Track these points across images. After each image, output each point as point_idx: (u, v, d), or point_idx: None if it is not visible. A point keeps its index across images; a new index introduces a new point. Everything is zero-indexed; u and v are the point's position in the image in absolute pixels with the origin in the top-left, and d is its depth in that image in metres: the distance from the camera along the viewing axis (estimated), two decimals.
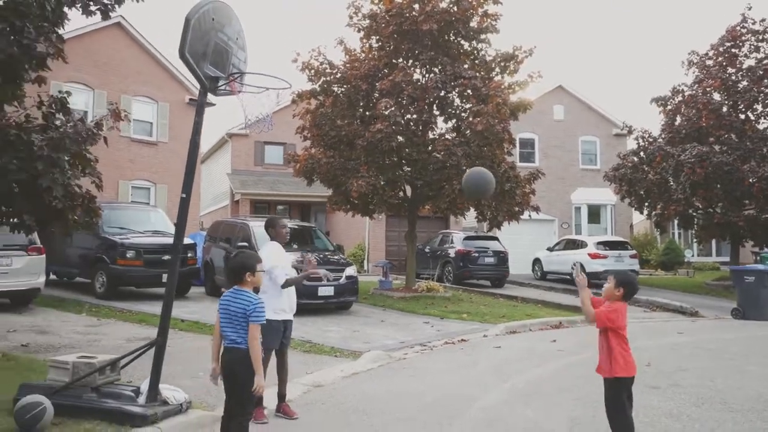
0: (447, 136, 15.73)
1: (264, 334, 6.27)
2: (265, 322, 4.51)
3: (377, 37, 16.45)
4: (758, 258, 24.75)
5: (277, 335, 6.25)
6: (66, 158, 6.56)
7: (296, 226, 16.58)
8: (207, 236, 17.50)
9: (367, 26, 16.29)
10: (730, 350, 10.51)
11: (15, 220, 7.19)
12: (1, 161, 6.37)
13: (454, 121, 16.58)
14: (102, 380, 5.49)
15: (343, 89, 16.24)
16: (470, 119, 15.27)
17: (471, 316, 14.26)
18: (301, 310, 12.86)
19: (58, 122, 6.98)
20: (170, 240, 15.43)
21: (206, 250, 16.61)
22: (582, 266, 4.91)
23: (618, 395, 4.76)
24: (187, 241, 16.31)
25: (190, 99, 23.46)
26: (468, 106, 16.30)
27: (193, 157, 5.86)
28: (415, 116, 15.94)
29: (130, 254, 14.43)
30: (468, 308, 15.38)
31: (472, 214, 20.81)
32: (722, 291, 20.67)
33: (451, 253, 22.38)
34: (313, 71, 16.07)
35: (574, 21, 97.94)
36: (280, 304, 6.24)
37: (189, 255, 15.44)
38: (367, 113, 16.28)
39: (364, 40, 16.77)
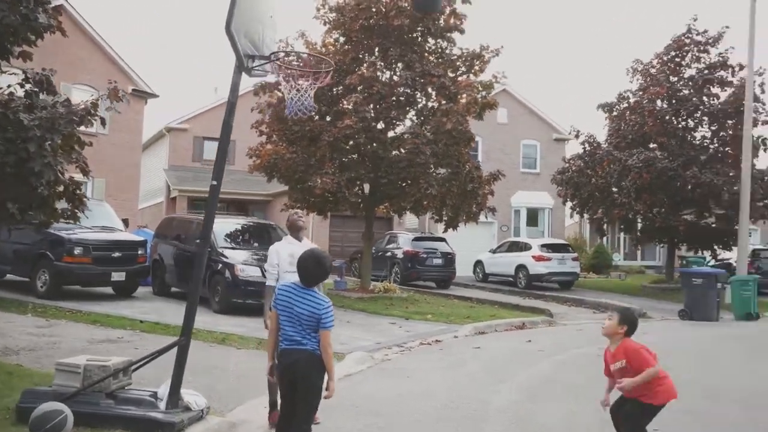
0: (416, 133, 15.47)
1: None
2: (333, 326, 4.20)
3: (343, 30, 16.11)
4: (685, 262, 25.83)
5: None
6: (58, 140, 5.96)
7: (252, 224, 16.09)
8: (156, 233, 16.67)
9: (333, 19, 15.94)
10: (697, 348, 10.79)
11: None
12: None
13: (420, 119, 16.43)
14: (116, 385, 4.99)
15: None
16: (440, 118, 15.15)
17: (435, 316, 14.13)
18: (260, 311, 12.53)
19: (42, 103, 6.35)
20: (119, 236, 14.79)
21: (154, 248, 15.80)
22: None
23: (645, 421, 4.59)
24: (136, 237, 15.53)
25: (134, 90, 22.41)
26: (432, 104, 16.22)
27: (224, 140, 5.45)
28: (382, 113, 15.68)
29: (77, 251, 13.50)
30: (429, 309, 15.25)
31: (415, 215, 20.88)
32: (660, 293, 21.37)
33: (399, 254, 22.24)
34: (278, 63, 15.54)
35: (516, 25, 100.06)
36: None
37: (139, 252, 14.64)
38: (334, 108, 15.92)
39: (328, 34, 16.41)
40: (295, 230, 6.16)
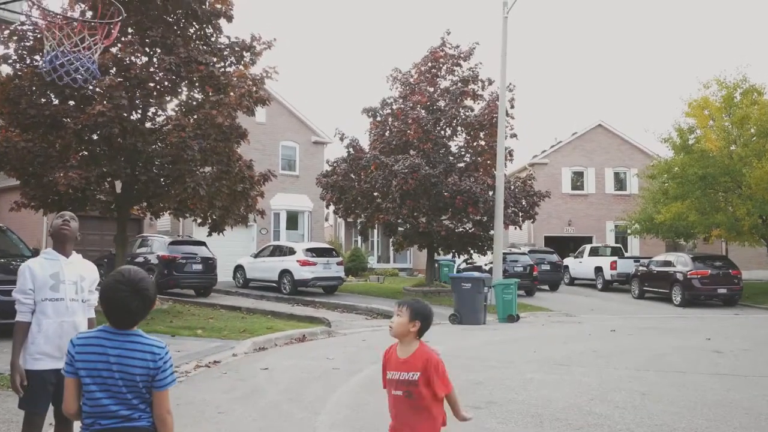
0: (182, 126, 13.64)
1: (28, 390, 4.22)
2: (175, 382, 2.80)
3: (91, 2, 13.77)
4: (438, 265, 27.03)
5: (45, 393, 4.21)
6: None
7: None
8: None
9: None
10: (491, 357, 10.74)
11: None
12: None
13: (183, 110, 14.63)
14: None
15: None
16: (209, 110, 13.55)
17: (207, 331, 12.60)
18: None
19: None
20: None
21: None
22: None
23: None
24: None
25: None
26: (198, 95, 14.58)
27: None
28: (140, 101, 13.66)
29: None
30: (197, 322, 13.64)
31: (178, 217, 19.12)
32: (423, 297, 21.83)
33: (153, 259, 20.05)
34: (8, 32, 12.75)
35: (275, 25, 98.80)
36: (38, 346, 4.21)
37: None
38: (78, 92, 13.49)
39: (72, 5, 13.92)
40: (60, 241, 4.45)
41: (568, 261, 30.83)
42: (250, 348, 11.33)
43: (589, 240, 35.05)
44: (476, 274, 17.45)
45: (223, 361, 10.10)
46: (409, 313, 3.63)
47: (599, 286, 28.18)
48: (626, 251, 33.17)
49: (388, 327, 3.79)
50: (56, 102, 13.95)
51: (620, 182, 37.58)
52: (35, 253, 13.38)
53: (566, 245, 35.21)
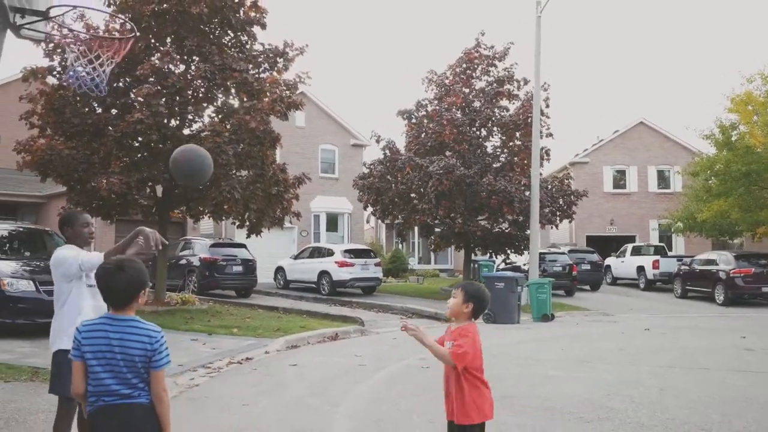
0: (217, 131, 14.11)
1: (64, 374, 4.55)
2: (170, 363, 3.10)
3: (130, 14, 14.33)
4: (477, 265, 27.03)
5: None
6: None
7: (23, 229, 13.77)
8: None
9: (121, 1, 14.09)
10: (518, 355, 10.85)
11: None
12: None
13: (220, 116, 15.10)
14: None
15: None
16: (242, 116, 13.97)
17: (242, 330, 12.98)
18: (34, 333, 10.63)
19: None
20: None
21: None
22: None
23: None
24: None
25: None
26: (233, 101, 15.02)
27: None
28: (177, 108, 14.18)
29: None
30: (233, 322, 14.05)
31: (215, 220, 19.62)
32: None
33: (195, 261, 20.64)
34: (52, 45, 13.40)
35: (311, 30, 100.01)
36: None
37: None
38: (120, 101, 14.07)
39: (113, 18, 14.51)
40: (82, 242, 4.80)
41: (610, 260, 30.48)
42: (282, 346, 11.66)
43: (632, 239, 34.56)
44: (509, 273, 17.50)
45: (255, 358, 10.42)
46: (463, 294, 3.87)
47: (642, 286, 27.79)
48: (671, 250, 32.61)
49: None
50: (99, 111, 14.59)
51: (664, 180, 36.96)
52: None
53: (609, 245, 34.79)
